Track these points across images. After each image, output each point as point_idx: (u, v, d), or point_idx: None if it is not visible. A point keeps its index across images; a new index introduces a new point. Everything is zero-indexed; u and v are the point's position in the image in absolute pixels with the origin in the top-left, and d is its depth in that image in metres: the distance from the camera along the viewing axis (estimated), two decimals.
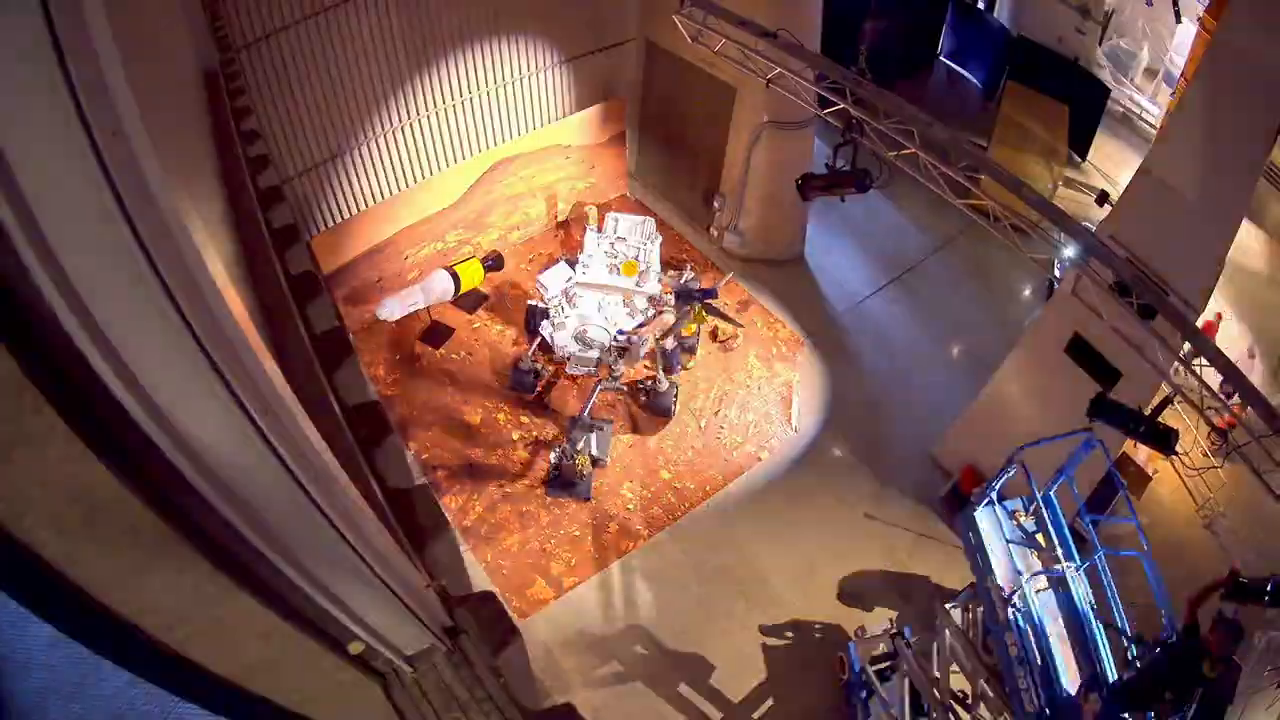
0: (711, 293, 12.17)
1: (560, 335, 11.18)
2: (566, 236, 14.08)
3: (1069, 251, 7.85)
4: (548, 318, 11.23)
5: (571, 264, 11.59)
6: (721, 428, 11.64)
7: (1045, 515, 6.99)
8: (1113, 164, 16.28)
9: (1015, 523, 7.22)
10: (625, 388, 11.50)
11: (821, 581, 10.12)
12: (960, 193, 8.14)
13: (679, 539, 10.35)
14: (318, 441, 1.94)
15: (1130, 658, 6.40)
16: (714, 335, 12.62)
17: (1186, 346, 7.45)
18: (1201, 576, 9.90)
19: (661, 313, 11.37)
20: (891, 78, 13.71)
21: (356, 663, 2.38)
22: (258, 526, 1.76)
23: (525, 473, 10.87)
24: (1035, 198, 7.33)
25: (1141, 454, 10.97)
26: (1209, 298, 8.22)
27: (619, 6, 12.92)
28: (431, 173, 12.33)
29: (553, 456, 10.69)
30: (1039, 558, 6.96)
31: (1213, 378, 7.13)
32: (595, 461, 10.78)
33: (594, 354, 11.22)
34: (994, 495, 7.21)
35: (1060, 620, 6.56)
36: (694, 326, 12.03)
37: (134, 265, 1.30)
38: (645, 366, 11.96)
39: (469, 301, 12.66)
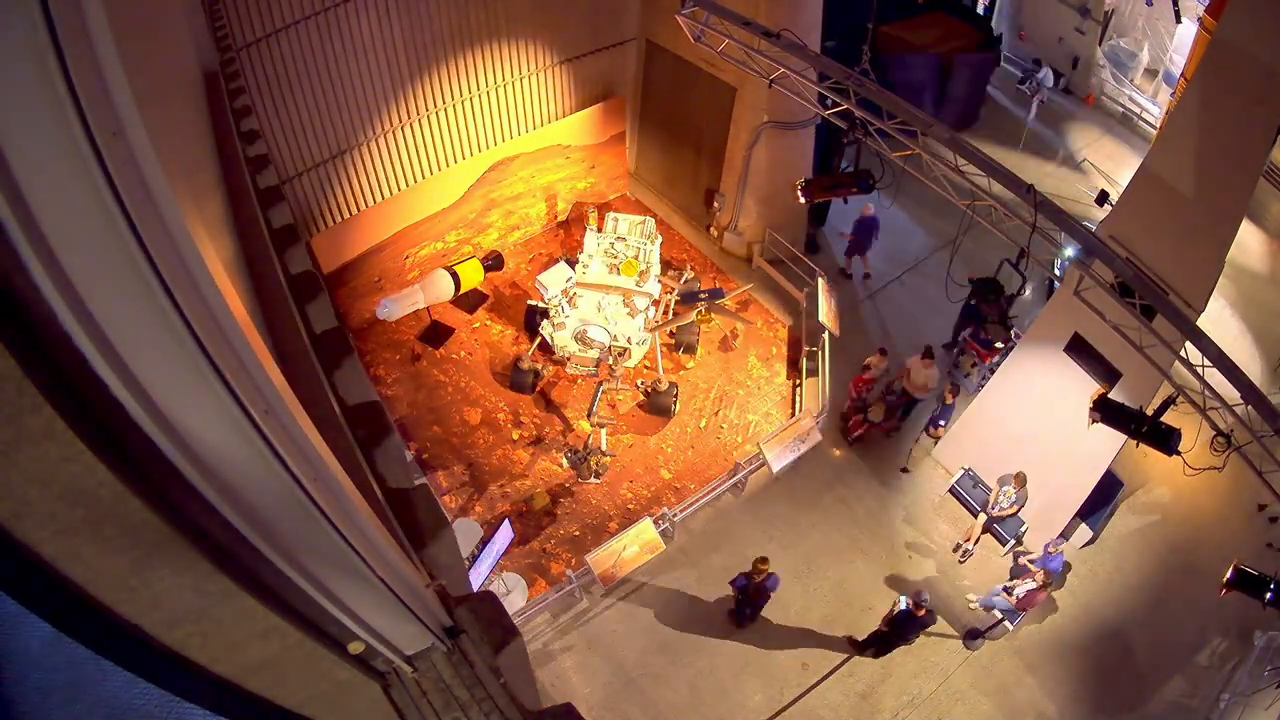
0: (719, 293, 12.17)
1: (560, 335, 11.17)
2: (566, 236, 14.08)
3: (1069, 251, 7.85)
4: (548, 318, 11.22)
5: (571, 264, 11.59)
6: (722, 427, 11.64)
7: None
8: (1113, 164, 16.29)
9: None
10: (626, 387, 11.49)
11: (821, 581, 10.12)
12: (962, 192, 8.15)
13: (679, 539, 10.34)
14: (318, 441, 1.94)
15: None
16: (724, 345, 12.64)
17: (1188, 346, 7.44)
18: (1202, 573, 9.96)
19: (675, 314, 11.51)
20: None
21: (356, 663, 2.38)
22: (258, 526, 1.75)
23: (525, 473, 10.87)
24: (1039, 197, 7.33)
25: None
26: (1209, 298, 8.22)
27: (619, 6, 12.92)
28: (431, 173, 12.33)
29: (565, 461, 10.70)
30: None
31: (1214, 378, 7.12)
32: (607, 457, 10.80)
33: (594, 354, 11.21)
34: None
35: None
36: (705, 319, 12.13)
37: (134, 265, 1.30)
38: (645, 366, 11.96)
39: (469, 301, 12.66)
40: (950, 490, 10.92)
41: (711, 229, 14.00)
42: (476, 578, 8.60)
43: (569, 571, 9.45)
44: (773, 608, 9.80)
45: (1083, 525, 10.43)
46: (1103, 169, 16.19)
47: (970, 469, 10.73)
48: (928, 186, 8.19)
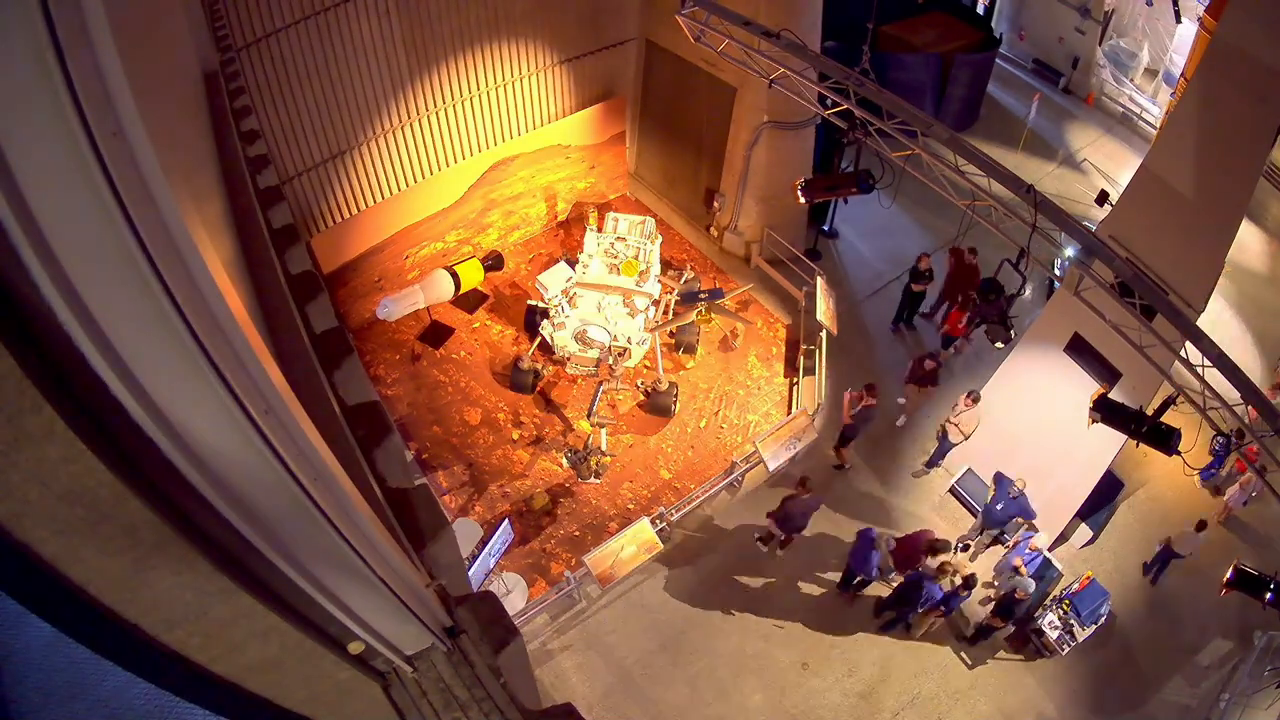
0: (718, 293, 12.17)
1: (560, 335, 11.17)
2: (566, 236, 14.08)
3: (1069, 251, 7.85)
4: (548, 318, 11.22)
5: (571, 264, 11.57)
6: (722, 427, 11.63)
7: None
8: (1113, 164, 16.29)
9: None
10: (626, 387, 11.49)
11: (821, 581, 10.11)
12: (962, 192, 8.14)
13: (677, 538, 10.34)
14: (318, 441, 1.93)
15: None
16: (724, 345, 12.62)
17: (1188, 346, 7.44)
18: (1202, 573, 9.95)
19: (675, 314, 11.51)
20: None
21: (356, 663, 2.38)
22: (258, 526, 1.75)
23: (525, 473, 10.87)
24: (1039, 197, 7.32)
25: None
26: (1209, 298, 8.22)
27: (619, 6, 12.92)
28: (431, 173, 12.33)
29: (565, 461, 10.69)
30: None
31: (1214, 377, 7.12)
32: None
33: (594, 354, 11.21)
34: None
35: None
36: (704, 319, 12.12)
37: (134, 265, 1.30)
38: (645, 366, 11.96)
39: (469, 301, 12.66)
40: (950, 490, 10.92)
41: (711, 229, 14.00)
42: (476, 578, 8.61)
43: (568, 572, 9.45)
44: (772, 607, 9.81)
45: (1083, 525, 10.44)
46: (1103, 169, 16.19)
47: (971, 469, 10.73)
48: (928, 186, 8.19)
